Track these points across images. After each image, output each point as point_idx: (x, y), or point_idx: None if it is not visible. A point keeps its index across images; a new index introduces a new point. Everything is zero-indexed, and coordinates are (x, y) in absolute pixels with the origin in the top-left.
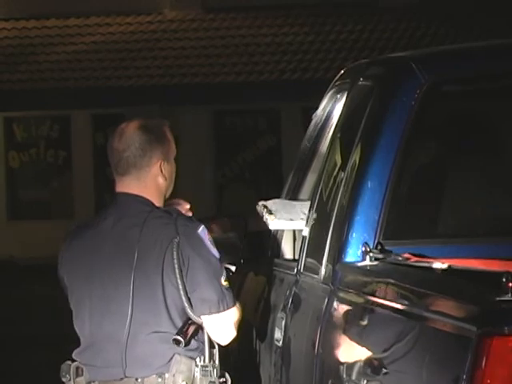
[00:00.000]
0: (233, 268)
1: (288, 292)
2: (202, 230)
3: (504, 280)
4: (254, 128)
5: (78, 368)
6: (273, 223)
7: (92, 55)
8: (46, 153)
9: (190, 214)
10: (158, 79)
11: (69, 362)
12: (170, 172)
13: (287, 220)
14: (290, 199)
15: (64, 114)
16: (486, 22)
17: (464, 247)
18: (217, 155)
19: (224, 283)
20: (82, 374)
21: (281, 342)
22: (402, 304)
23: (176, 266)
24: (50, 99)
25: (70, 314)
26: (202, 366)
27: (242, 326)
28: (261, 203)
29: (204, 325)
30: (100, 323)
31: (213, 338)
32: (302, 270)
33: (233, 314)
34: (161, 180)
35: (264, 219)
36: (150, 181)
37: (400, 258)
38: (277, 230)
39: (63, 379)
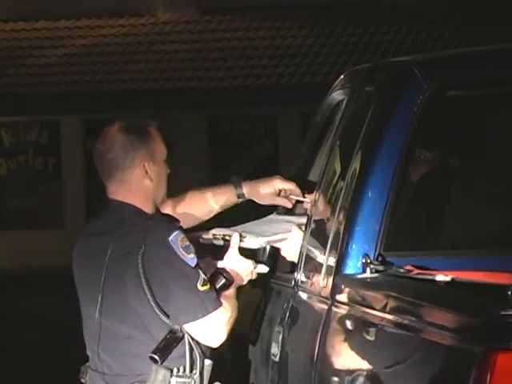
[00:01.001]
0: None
1: (285, 305)
2: (173, 236)
3: (509, 293)
4: (251, 134)
5: (86, 368)
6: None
7: (83, 58)
8: (34, 160)
9: None
10: (151, 83)
11: (88, 364)
12: (158, 173)
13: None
14: (286, 208)
15: (54, 119)
16: (490, 27)
17: (468, 259)
18: (212, 162)
19: (201, 288)
20: None
21: (278, 357)
22: (404, 318)
23: (142, 277)
24: (39, 104)
25: (58, 324)
26: (179, 376)
27: (237, 337)
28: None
29: (189, 332)
30: (86, 331)
31: (202, 343)
32: (299, 283)
33: (216, 317)
34: (147, 182)
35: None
36: (134, 183)
37: (402, 270)
38: None
39: (82, 380)
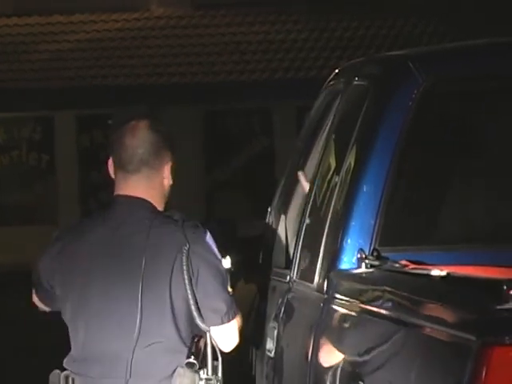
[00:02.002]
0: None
1: (280, 300)
2: (209, 236)
3: (504, 288)
4: (246, 129)
5: (67, 377)
6: None
7: (76, 54)
8: (28, 156)
9: None
10: (145, 78)
11: (57, 371)
12: (172, 174)
13: None
14: (282, 202)
15: (47, 114)
16: (486, 21)
17: (463, 254)
18: (207, 157)
19: (230, 290)
20: (73, 383)
21: (273, 353)
22: (399, 313)
23: (186, 275)
24: (32, 99)
25: (47, 324)
26: (206, 380)
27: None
28: None
29: (211, 334)
30: (100, 334)
31: (218, 346)
32: (294, 278)
33: (238, 321)
34: (166, 183)
35: None
36: (157, 182)
37: (397, 265)
38: (269, 236)
39: None
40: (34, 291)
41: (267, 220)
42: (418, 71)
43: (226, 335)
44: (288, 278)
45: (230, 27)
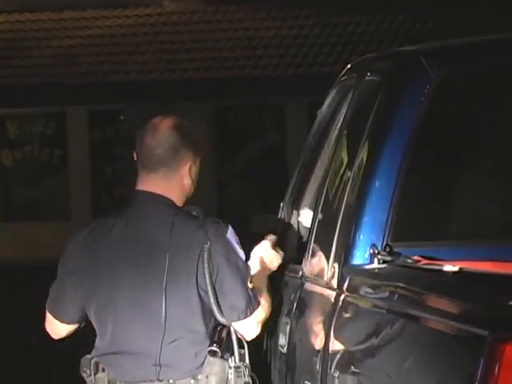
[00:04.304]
0: None
1: (293, 296)
2: (230, 233)
3: None
4: (258, 124)
5: (97, 363)
6: None
7: (89, 49)
8: (40, 151)
9: None
10: (157, 74)
11: (89, 356)
12: (196, 173)
13: None
14: (294, 198)
15: (59, 110)
16: (498, 15)
17: (476, 249)
18: (219, 152)
19: (250, 285)
20: (103, 371)
21: (285, 349)
22: (412, 308)
23: (207, 272)
24: (44, 95)
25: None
26: (235, 367)
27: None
28: None
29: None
30: (128, 329)
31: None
32: (307, 274)
33: (258, 314)
34: (186, 181)
35: None
36: (176, 181)
37: (409, 261)
38: (281, 231)
39: (83, 374)
40: (48, 316)
41: (279, 215)
42: (430, 66)
43: (244, 329)
44: (300, 273)
45: (243, 22)
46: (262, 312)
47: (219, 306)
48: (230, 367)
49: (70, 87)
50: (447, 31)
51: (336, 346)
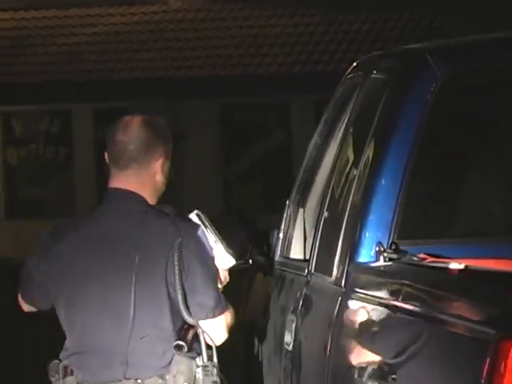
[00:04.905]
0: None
1: (298, 294)
2: (200, 231)
3: None
4: (264, 123)
5: (66, 367)
6: None
7: (94, 47)
8: (45, 149)
9: None
10: (162, 72)
11: (56, 361)
12: (168, 169)
13: None
14: (300, 196)
15: (65, 108)
16: (504, 13)
17: (482, 247)
18: (225, 151)
19: (220, 286)
20: (72, 374)
21: (291, 346)
22: (417, 306)
23: (176, 269)
24: (49, 93)
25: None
26: (203, 366)
27: (250, 326)
28: None
29: (200, 326)
30: (96, 326)
31: (207, 338)
32: (313, 271)
33: (227, 317)
34: (158, 178)
35: None
36: (148, 178)
37: (415, 259)
38: (287, 229)
39: (51, 379)
40: (20, 292)
41: (285, 213)
42: (436, 64)
43: (212, 330)
44: (306, 271)
45: (248, 20)
46: (229, 316)
47: (187, 305)
48: (198, 366)
49: (75, 85)
50: (453, 31)
51: (342, 343)
